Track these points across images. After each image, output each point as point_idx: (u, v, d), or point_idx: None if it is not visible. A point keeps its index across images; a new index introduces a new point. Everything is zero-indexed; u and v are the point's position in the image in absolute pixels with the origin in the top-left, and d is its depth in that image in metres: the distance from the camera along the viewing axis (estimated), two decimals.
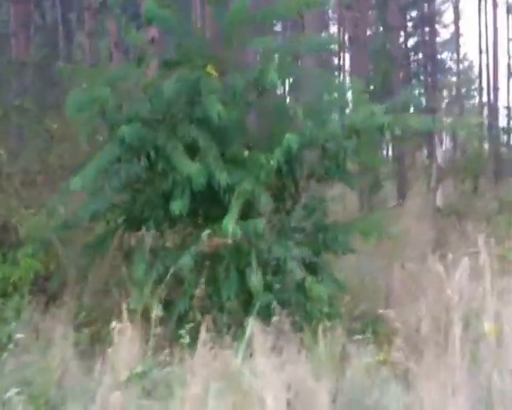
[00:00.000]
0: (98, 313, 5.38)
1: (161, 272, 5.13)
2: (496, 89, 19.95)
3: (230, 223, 5.01)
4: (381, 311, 4.89)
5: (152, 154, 5.32)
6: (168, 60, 5.78)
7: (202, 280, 5.17)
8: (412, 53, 28.81)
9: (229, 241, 5.07)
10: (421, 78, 26.36)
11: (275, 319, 4.43)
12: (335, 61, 30.38)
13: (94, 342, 4.99)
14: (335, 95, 5.52)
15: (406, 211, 12.50)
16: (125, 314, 4.56)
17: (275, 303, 4.66)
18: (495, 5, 20.33)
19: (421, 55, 31.02)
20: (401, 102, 5.38)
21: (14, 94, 11.78)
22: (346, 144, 5.32)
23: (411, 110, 6.49)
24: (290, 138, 5.02)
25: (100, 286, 5.60)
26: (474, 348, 3.93)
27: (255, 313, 4.30)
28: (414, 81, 26.67)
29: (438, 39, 50.73)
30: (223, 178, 5.16)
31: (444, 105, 30.22)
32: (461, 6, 75.22)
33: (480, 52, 27.35)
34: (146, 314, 4.65)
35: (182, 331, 4.15)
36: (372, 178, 19.32)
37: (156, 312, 4.93)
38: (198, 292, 5.15)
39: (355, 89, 5.74)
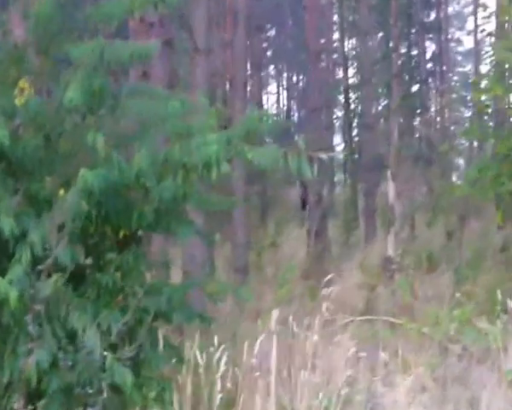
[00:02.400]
0: None
1: None
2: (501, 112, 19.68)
3: (6, 284, 4.67)
4: None
5: None
6: None
7: None
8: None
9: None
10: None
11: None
12: None
13: None
14: (165, 119, 5.18)
15: (360, 259, 12.25)
16: None
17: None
18: None
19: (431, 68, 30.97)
20: (243, 130, 5.02)
21: None
22: (165, 184, 4.97)
23: None
24: (87, 176, 4.69)
25: None
26: None
27: None
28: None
29: (460, 49, 51.05)
30: (7, 225, 4.81)
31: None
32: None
33: None
34: None
35: None
36: (348, 217, 19.17)
37: None
38: None
39: (198, 111, 5.43)
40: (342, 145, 32.05)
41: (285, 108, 51.14)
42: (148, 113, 5.20)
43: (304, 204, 20.68)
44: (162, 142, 5.64)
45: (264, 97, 59.68)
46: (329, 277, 5.41)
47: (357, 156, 24.62)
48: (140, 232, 5.54)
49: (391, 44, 22.38)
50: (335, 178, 44.11)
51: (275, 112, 57.93)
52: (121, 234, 5.38)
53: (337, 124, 42.36)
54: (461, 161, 30.46)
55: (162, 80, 9.69)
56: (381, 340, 6.03)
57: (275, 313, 3.94)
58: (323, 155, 4.88)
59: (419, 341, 6.32)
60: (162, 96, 5.46)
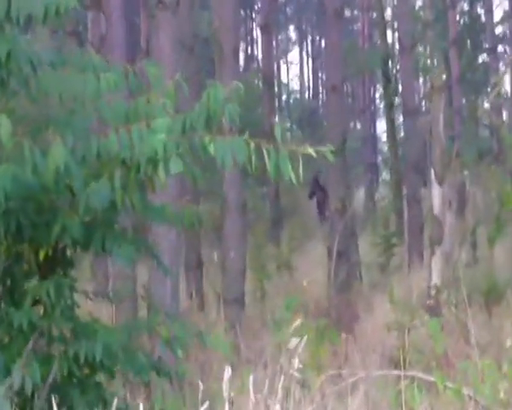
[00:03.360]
0: None
1: None
2: None
3: None
4: None
5: None
6: None
7: None
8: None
9: None
10: None
11: None
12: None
13: None
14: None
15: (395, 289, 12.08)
16: None
17: None
18: None
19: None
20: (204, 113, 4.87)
21: None
22: (96, 187, 4.81)
23: None
24: None
25: None
26: None
27: None
28: None
29: None
30: None
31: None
32: None
33: None
34: None
35: None
36: (389, 231, 18.98)
37: None
38: None
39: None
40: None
41: (310, 82, 50.95)
42: (73, 89, 5.03)
43: (321, 212, 20.54)
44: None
45: (283, 68, 59.29)
46: (297, 322, 5.16)
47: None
48: (69, 252, 5.39)
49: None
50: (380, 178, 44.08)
51: (296, 87, 57.89)
52: (42, 255, 5.22)
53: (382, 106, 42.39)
54: None
55: (123, 47, 9.56)
56: (404, 404, 5.83)
57: (227, 374, 3.73)
58: (311, 151, 4.72)
59: (460, 405, 6.11)
60: (100, 67, 5.29)
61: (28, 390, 4.86)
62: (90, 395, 5.32)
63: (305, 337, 4.57)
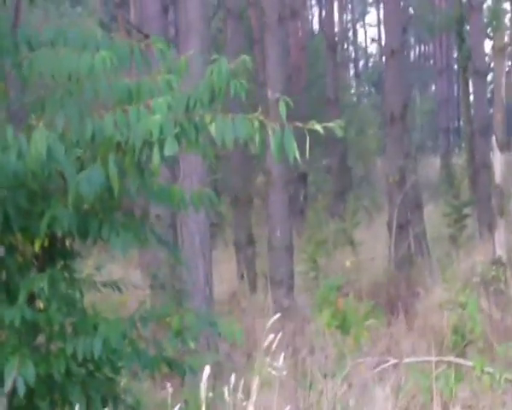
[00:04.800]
0: None
1: None
2: None
3: None
4: None
5: None
6: None
7: None
8: None
9: None
10: None
11: None
12: None
13: None
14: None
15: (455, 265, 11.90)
16: None
17: None
18: None
19: None
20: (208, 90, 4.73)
21: None
22: (88, 174, 4.70)
23: None
24: None
25: None
26: None
27: None
28: None
29: None
30: None
31: None
32: None
33: None
34: None
35: None
36: (454, 212, 18.60)
37: None
38: None
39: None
40: None
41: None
42: (66, 68, 4.92)
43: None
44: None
45: (360, 32, 58.08)
46: (276, 317, 5.00)
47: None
48: (68, 242, 5.31)
49: None
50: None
51: (373, 51, 57.00)
52: (37, 246, 5.12)
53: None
54: None
55: (159, 20, 9.42)
56: (439, 394, 5.65)
57: (206, 372, 3.59)
58: (318, 127, 4.57)
59: (501, 391, 5.92)
60: (103, 45, 5.17)
61: (21, 392, 4.77)
62: (95, 392, 5.24)
63: (280, 334, 4.41)
